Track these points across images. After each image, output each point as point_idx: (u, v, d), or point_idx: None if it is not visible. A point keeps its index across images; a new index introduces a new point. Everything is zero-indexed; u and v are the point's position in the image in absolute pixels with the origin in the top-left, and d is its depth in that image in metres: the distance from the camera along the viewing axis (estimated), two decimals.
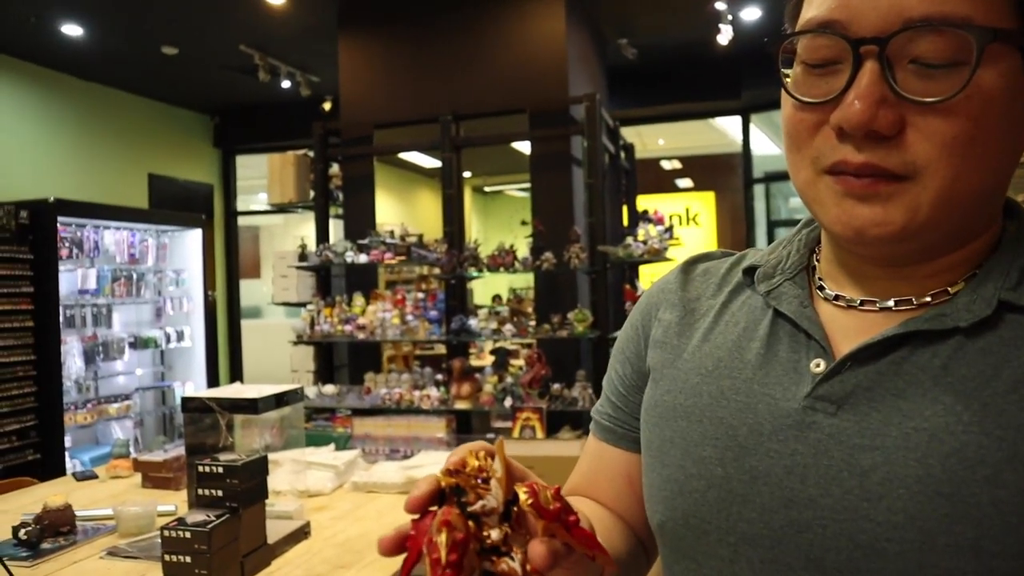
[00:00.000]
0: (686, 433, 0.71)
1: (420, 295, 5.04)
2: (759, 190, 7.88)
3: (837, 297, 0.69)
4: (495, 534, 0.52)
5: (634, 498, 0.82)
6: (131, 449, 3.35)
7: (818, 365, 0.65)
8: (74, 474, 2.98)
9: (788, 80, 0.65)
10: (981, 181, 0.61)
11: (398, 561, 1.82)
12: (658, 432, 0.75)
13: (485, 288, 9.56)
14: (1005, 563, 0.54)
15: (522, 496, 0.52)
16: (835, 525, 0.60)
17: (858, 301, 0.67)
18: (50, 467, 4.83)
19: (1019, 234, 0.66)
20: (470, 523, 0.52)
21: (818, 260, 0.73)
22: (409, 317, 4.90)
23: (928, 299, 0.65)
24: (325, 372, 5.24)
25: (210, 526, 1.73)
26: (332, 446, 2.89)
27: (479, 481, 0.53)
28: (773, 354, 0.69)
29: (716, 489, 0.67)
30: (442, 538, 0.50)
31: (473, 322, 4.75)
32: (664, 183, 10.15)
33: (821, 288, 0.71)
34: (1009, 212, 0.68)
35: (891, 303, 0.66)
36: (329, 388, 4.99)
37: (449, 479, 0.54)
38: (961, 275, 0.65)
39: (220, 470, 1.81)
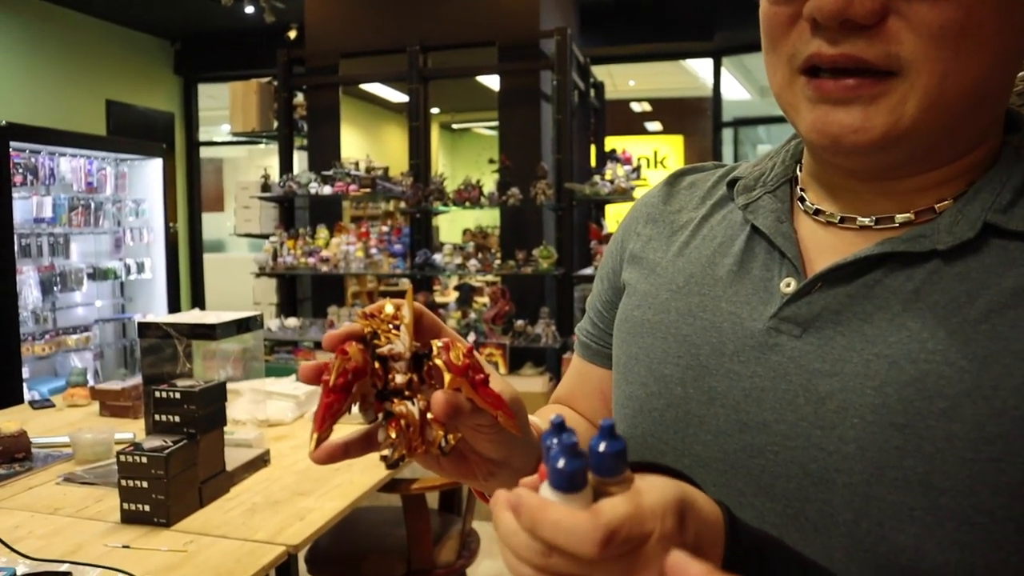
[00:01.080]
0: (651, 350, 0.69)
1: (385, 229, 5.00)
2: (727, 135, 7.86)
3: (818, 212, 0.65)
4: (399, 378, 0.55)
5: (609, 415, 0.79)
6: (89, 379, 3.30)
7: (788, 285, 0.63)
8: (31, 403, 2.94)
9: None
10: (975, 80, 0.55)
11: (359, 487, 1.82)
12: (625, 348, 0.73)
13: (452, 226, 9.52)
14: (954, 500, 0.52)
15: (435, 349, 0.54)
16: (786, 452, 0.58)
17: (838, 218, 0.64)
18: (7, 398, 4.74)
19: (1020, 150, 0.60)
20: (377, 365, 0.55)
21: (801, 171, 0.70)
22: (373, 251, 4.86)
23: (911, 216, 0.60)
24: (288, 305, 5.20)
25: (167, 451, 1.71)
26: (293, 377, 2.88)
27: (391, 327, 0.56)
28: (746, 271, 0.66)
29: (674, 409, 0.66)
30: (335, 363, 0.53)
31: (438, 257, 4.73)
32: (633, 125, 10.09)
33: (802, 199, 0.67)
34: (1012, 126, 0.63)
35: (871, 220, 0.62)
36: (292, 321, 4.96)
37: (364, 321, 0.56)
38: (952, 192, 0.60)
39: (177, 396, 1.80)
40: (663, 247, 0.75)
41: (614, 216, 6.82)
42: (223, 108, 6.22)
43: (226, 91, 5.56)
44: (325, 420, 0.53)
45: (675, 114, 9.86)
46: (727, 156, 7.89)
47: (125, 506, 1.74)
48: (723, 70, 7.43)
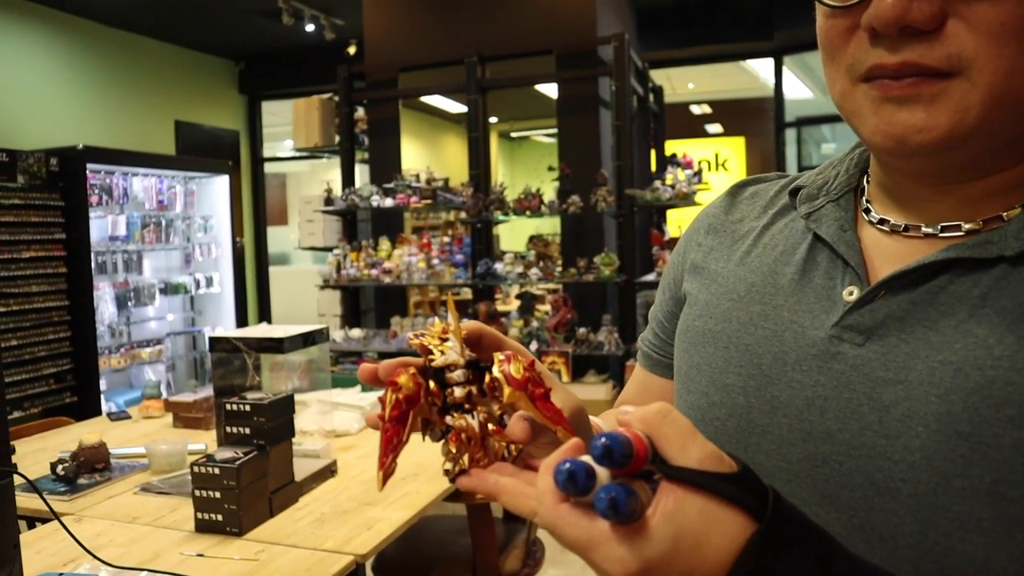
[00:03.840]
0: (712, 360, 0.69)
1: (446, 239, 5.04)
2: (791, 135, 7.72)
3: (882, 221, 0.64)
4: (458, 392, 0.55)
5: None
6: (162, 391, 3.40)
7: (851, 293, 0.62)
8: (108, 414, 3.04)
9: None
10: None
11: (425, 497, 1.83)
12: (687, 358, 0.73)
13: (512, 234, 9.54)
14: (1023, 510, 0.50)
15: (495, 362, 0.54)
16: (851, 461, 0.57)
17: (903, 226, 0.62)
18: (86, 409, 4.93)
19: None
20: (433, 385, 0.55)
21: (868, 181, 0.68)
22: (435, 261, 4.91)
23: (977, 225, 0.59)
24: (352, 316, 5.28)
25: (238, 463, 1.75)
26: (358, 387, 2.91)
27: (441, 340, 0.57)
28: (808, 280, 0.66)
29: (736, 419, 0.65)
30: (388, 396, 0.53)
31: (499, 266, 4.74)
32: (694, 128, 9.99)
33: (867, 211, 0.66)
34: None
35: (937, 228, 0.60)
36: (356, 332, 5.03)
37: (415, 342, 0.57)
38: (1021, 198, 0.58)
39: (247, 408, 1.84)
40: (724, 257, 0.75)
41: (676, 221, 6.76)
42: (286, 124, 6.37)
43: (289, 108, 5.69)
44: (387, 454, 0.53)
45: (736, 115, 9.73)
46: (791, 157, 7.74)
47: (199, 516, 1.79)
48: (785, 69, 7.31)
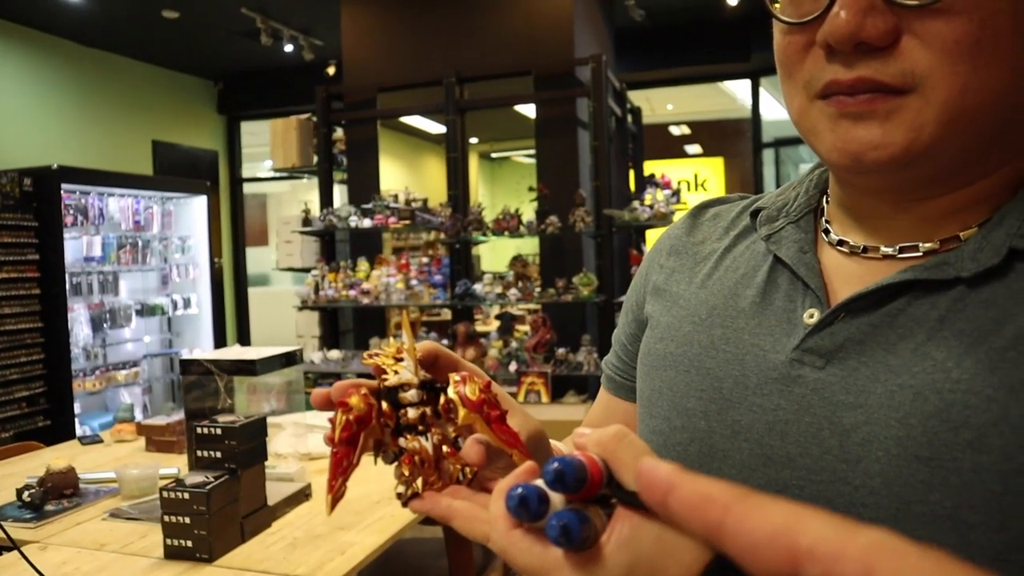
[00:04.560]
0: (674, 384, 0.68)
1: (425, 260, 5.02)
2: (768, 155, 7.80)
3: (841, 242, 0.64)
4: (412, 413, 0.54)
5: None
6: (137, 414, 3.36)
7: (812, 316, 0.61)
8: (80, 438, 2.99)
9: (776, 5, 0.60)
10: (996, 93, 0.53)
11: (400, 520, 1.80)
12: (648, 382, 0.72)
13: (492, 254, 9.55)
14: (985, 535, 0.49)
15: (451, 383, 0.54)
16: (812, 487, 0.57)
17: (862, 247, 0.62)
18: (60, 433, 4.85)
19: None
20: (386, 406, 0.54)
21: (827, 202, 0.68)
22: (414, 282, 4.89)
23: (935, 245, 0.58)
24: (330, 337, 5.24)
25: (208, 487, 1.72)
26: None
27: (396, 360, 0.56)
28: (768, 303, 0.65)
29: (698, 443, 0.64)
30: (338, 417, 0.52)
31: (478, 287, 4.73)
32: (672, 148, 10.08)
33: (827, 232, 0.66)
34: None
35: (895, 249, 0.60)
36: (334, 353, 4.99)
37: (368, 360, 0.56)
38: (977, 218, 0.58)
39: (218, 432, 1.81)
40: (686, 279, 0.74)
41: (655, 241, 6.79)
42: (265, 145, 6.35)
43: (267, 128, 5.67)
44: (336, 477, 0.52)
45: (714, 136, 9.83)
46: (768, 177, 7.82)
47: (168, 542, 1.75)
48: (762, 90, 7.39)
